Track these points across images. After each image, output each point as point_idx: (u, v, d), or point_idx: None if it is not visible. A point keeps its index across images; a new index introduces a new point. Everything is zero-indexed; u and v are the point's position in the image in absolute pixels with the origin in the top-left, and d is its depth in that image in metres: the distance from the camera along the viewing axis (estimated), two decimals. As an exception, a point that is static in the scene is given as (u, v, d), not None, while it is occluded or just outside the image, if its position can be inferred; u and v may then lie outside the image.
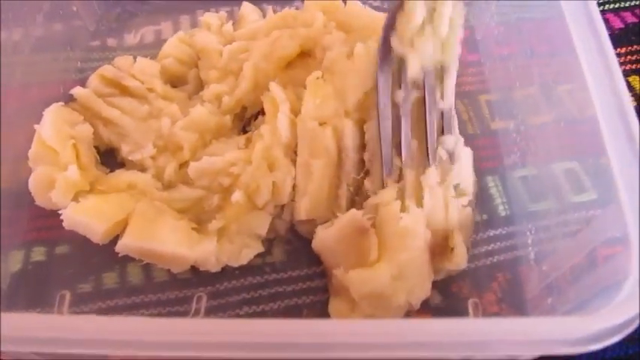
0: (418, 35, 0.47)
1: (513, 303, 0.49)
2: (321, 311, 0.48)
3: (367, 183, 0.51)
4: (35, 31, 0.53)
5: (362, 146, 0.52)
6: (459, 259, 0.47)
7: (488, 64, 0.64)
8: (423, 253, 0.45)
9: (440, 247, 0.47)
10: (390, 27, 0.48)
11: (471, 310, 0.49)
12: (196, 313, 0.48)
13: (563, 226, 0.47)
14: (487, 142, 0.59)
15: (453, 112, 0.50)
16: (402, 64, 0.49)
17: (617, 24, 0.69)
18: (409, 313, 0.46)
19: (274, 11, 0.63)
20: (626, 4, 0.70)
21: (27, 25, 0.52)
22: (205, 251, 0.46)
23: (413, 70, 0.48)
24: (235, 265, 0.49)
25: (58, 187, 0.46)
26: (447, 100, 0.49)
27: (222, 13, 0.66)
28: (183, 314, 0.48)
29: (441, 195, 0.48)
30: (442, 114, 0.50)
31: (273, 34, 0.57)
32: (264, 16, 0.65)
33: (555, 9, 0.47)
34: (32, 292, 0.49)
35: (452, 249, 0.47)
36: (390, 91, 0.49)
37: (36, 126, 0.50)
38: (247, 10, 0.65)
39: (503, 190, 0.56)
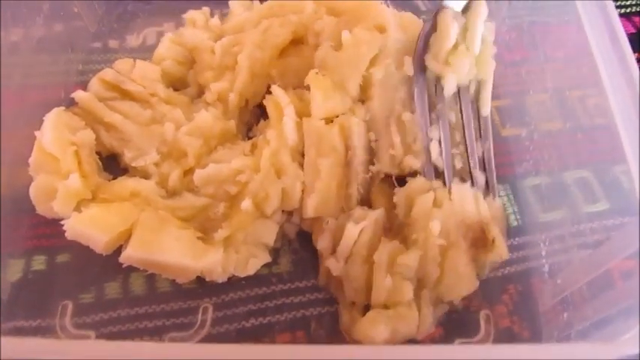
0: (453, 54, 0.48)
1: (525, 316, 0.48)
2: (330, 324, 0.47)
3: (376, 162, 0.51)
4: (36, 33, 0.52)
5: (370, 147, 0.52)
6: (501, 250, 0.47)
7: (498, 70, 0.63)
8: (462, 246, 0.46)
9: (480, 241, 0.47)
10: (424, 49, 0.50)
11: (482, 323, 0.48)
12: (202, 325, 0.47)
13: (577, 238, 0.46)
14: (497, 149, 0.58)
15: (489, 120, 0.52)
16: (437, 80, 0.50)
17: (629, 29, 0.68)
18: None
19: (261, 2, 0.62)
20: (638, 9, 0.69)
21: (27, 26, 0.51)
22: (211, 262, 0.45)
23: (450, 87, 0.49)
24: (242, 275, 0.48)
25: (60, 197, 0.45)
26: (484, 109, 0.51)
27: (206, 8, 0.64)
28: (189, 326, 0.47)
29: (469, 189, 0.48)
30: (479, 122, 0.52)
31: (263, 24, 0.57)
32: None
33: (571, 13, 0.46)
34: (33, 302, 0.47)
35: (492, 241, 0.46)
36: (427, 106, 0.50)
37: (36, 132, 0.49)
38: (236, 3, 0.64)
39: (514, 199, 0.55)
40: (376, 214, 0.48)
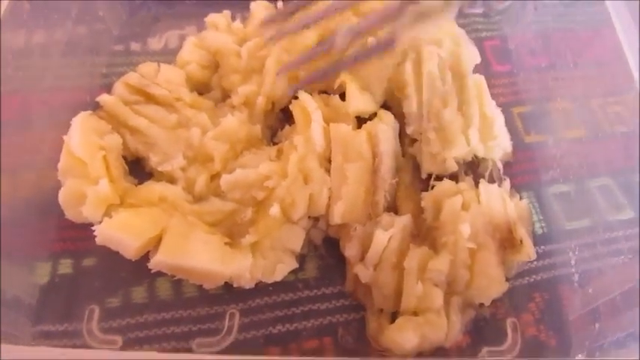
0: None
1: (553, 324, 0.48)
2: (357, 331, 0.47)
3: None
4: (64, 37, 0.52)
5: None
6: (529, 250, 0.47)
7: (522, 75, 0.63)
8: (491, 248, 0.46)
9: (508, 241, 0.47)
10: None
11: (509, 331, 0.48)
12: (229, 330, 0.47)
13: (608, 246, 0.45)
14: (520, 156, 0.58)
15: None
16: None
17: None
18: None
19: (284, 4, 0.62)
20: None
21: (57, 30, 0.51)
22: (240, 267, 0.45)
23: None
24: (269, 281, 0.47)
25: (89, 202, 0.45)
26: None
27: (227, 11, 0.64)
28: (215, 332, 0.47)
29: (497, 189, 0.48)
30: None
31: None
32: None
33: (604, 19, 0.46)
34: (61, 305, 0.47)
35: (520, 241, 0.46)
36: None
37: (65, 137, 0.49)
38: (257, 6, 0.63)
39: (539, 207, 0.54)
40: (404, 221, 0.48)
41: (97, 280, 0.49)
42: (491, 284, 0.45)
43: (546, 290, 0.50)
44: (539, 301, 0.50)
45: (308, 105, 0.52)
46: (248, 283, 0.47)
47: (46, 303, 0.47)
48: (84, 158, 0.47)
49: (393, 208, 0.51)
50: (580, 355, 0.44)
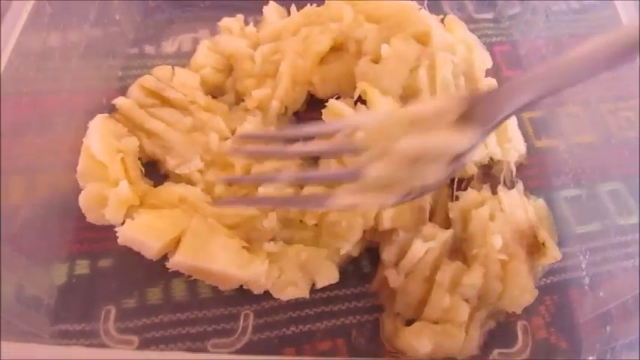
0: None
1: (563, 327, 0.48)
2: (371, 332, 0.48)
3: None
4: (83, 40, 0.53)
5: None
6: (554, 251, 0.47)
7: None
8: (521, 256, 0.46)
9: (534, 247, 0.47)
10: None
11: (520, 333, 0.48)
12: (243, 331, 0.47)
13: (619, 250, 0.46)
14: (531, 161, 0.58)
15: None
16: None
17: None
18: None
19: (298, 9, 0.63)
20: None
21: (76, 33, 0.51)
22: (256, 272, 0.45)
23: None
24: (275, 296, 0.47)
25: (111, 205, 0.46)
26: None
27: (240, 15, 0.65)
28: (230, 332, 0.47)
29: (515, 194, 0.49)
30: None
31: (302, 32, 0.57)
32: (288, 14, 0.64)
33: (614, 24, 0.46)
34: (78, 306, 0.48)
35: (543, 244, 0.47)
36: None
37: (84, 139, 0.49)
38: (270, 10, 0.64)
39: (550, 211, 0.55)
40: (446, 236, 0.47)
41: (114, 281, 0.50)
42: (522, 294, 0.45)
43: (557, 293, 0.50)
44: (550, 304, 0.50)
45: (345, 112, 0.51)
46: (260, 289, 0.47)
47: (64, 303, 0.48)
48: (104, 161, 0.48)
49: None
50: (591, 358, 0.45)
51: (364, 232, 0.48)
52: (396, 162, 0.37)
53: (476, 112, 0.36)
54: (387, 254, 0.48)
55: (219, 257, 0.45)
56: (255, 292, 0.47)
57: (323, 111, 0.53)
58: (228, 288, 0.47)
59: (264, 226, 0.47)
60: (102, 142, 0.48)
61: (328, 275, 0.47)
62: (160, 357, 0.40)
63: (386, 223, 0.48)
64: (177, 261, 0.44)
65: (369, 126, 0.41)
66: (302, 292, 0.47)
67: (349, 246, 0.48)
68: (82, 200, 0.48)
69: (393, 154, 0.36)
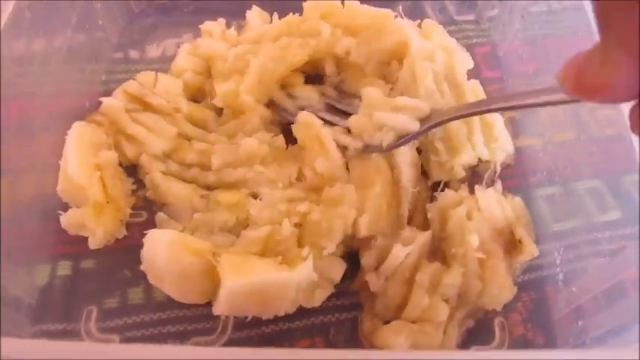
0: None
1: (539, 323, 0.49)
2: (349, 330, 0.48)
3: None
4: (65, 44, 0.53)
5: (415, 162, 0.53)
6: (530, 248, 0.48)
7: (511, 81, 0.64)
8: (499, 254, 0.47)
9: (512, 244, 0.48)
10: None
11: (497, 330, 0.49)
12: (223, 330, 0.48)
13: (592, 246, 0.47)
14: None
15: None
16: None
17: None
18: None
19: (279, 17, 0.63)
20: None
21: (58, 37, 0.52)
22: (306, 269, 0.44)
23: None
24: (308, 306, 0.47)
25: (92, 237, 0.50)
26: None
27: (222, 19, 0.66)
28: (210, 331, 0.48)
29: (492, 193, 0.50)
30: None
31: (282, 40, 0.57)
32: (270, 21, 0.64)
33: (585, 25, 0.47)
34: (60, 306, 0.48)
35: (519, 241, 0.47)
36: None
37: (61, 161, 0.51)
38: (253, 15, 0.65)
39: (527, 208, 0.56)
40: (424, 238, 0.48)
41: (95, 281, 0.50)
42: (501, 291, 0.46)
43: (533, 290, 0.51)
44: (527, 301, 0.51)
45: (315, 124, 0.52)
46: (291, 308, 0.46)
47: (45, 303, 0.48)
48: (82, 183, 0.49)
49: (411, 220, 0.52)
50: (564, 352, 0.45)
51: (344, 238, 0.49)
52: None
53: None
54: (367, 260, 0.48)
55: (266, 267, 0.44)
56: (308, 306, 0.47)
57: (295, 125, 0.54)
58: (282, 313, 0.46)
59: (282, 235, 0.47)
60: (79, 163, 0.49)
61: (339, 270, 0.48)
62: (141, 351, 0.40)
63: (363, 231, 0.48)
64: (230, 287, 0.42)
65: None
66: (328, 290, 0.48)
67: (332, 247, 0.48)
68: (64, 223, 0.50)
69: None
